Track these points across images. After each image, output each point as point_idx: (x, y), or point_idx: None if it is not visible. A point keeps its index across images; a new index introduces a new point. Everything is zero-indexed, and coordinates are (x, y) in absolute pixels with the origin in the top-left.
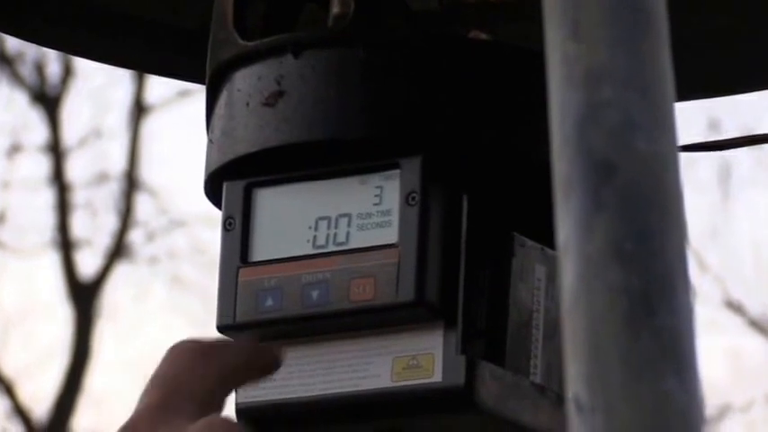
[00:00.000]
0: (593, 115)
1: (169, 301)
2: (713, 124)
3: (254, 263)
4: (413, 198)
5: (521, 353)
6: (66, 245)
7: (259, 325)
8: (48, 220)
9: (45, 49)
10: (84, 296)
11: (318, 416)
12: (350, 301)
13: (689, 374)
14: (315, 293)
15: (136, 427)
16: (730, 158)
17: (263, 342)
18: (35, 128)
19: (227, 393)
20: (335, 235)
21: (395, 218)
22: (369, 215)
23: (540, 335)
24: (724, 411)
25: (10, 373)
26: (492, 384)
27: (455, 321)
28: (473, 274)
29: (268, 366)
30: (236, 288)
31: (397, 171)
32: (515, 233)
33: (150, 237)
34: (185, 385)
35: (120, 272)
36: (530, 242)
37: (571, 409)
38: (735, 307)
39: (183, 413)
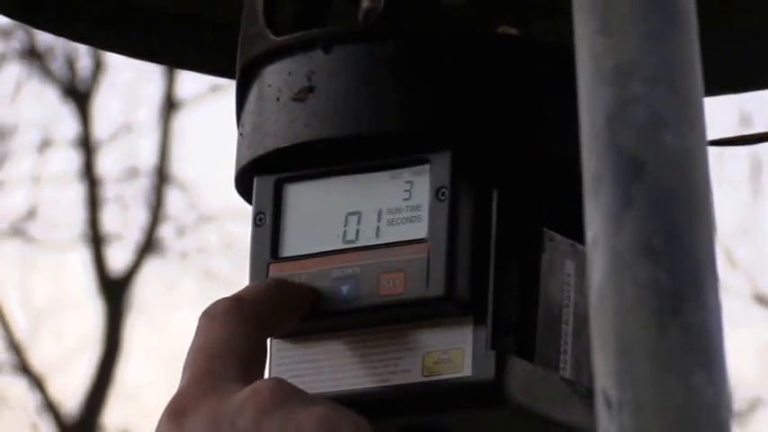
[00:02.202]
0: (622, 111)
1: (200, 295)
2: (745, 119)
3: (285, 258)
4: (443, 193)
5: (550, 348)
6: (96, 240)
7: None
8: (78, 214)
9: (76, 44)
10: (115, 291)
11: None
12: (379, 296)
13: (717, 370)
14: (344, 288)
15: (183, 400)
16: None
17: (291, 336)
18: (66, 122)
19: (265, 342)
20: (365, 230)
21: (425, 213)
22: (398, 210)
23: (569, 330)
24: (755, 405)
25: (40, 367)
26: (522, 379)
27: (485, 316)
28: (503, 270)
29: (301, 299)
30: None
31: (427, 166)
32: (545, 228)
33: (180, 231)
34: (225, 346)
35: (151, 266)
36: (559, 237)
37: (599, 403)
38: (765, 301)
39: (227, 377)
